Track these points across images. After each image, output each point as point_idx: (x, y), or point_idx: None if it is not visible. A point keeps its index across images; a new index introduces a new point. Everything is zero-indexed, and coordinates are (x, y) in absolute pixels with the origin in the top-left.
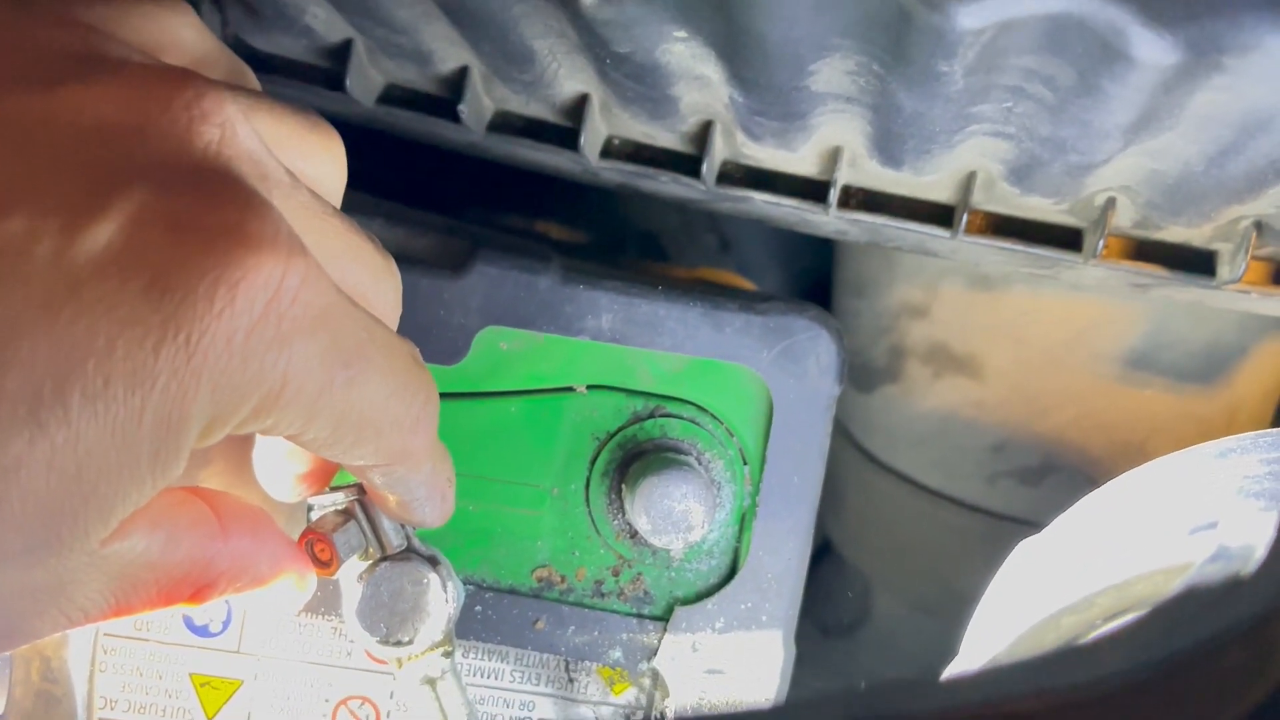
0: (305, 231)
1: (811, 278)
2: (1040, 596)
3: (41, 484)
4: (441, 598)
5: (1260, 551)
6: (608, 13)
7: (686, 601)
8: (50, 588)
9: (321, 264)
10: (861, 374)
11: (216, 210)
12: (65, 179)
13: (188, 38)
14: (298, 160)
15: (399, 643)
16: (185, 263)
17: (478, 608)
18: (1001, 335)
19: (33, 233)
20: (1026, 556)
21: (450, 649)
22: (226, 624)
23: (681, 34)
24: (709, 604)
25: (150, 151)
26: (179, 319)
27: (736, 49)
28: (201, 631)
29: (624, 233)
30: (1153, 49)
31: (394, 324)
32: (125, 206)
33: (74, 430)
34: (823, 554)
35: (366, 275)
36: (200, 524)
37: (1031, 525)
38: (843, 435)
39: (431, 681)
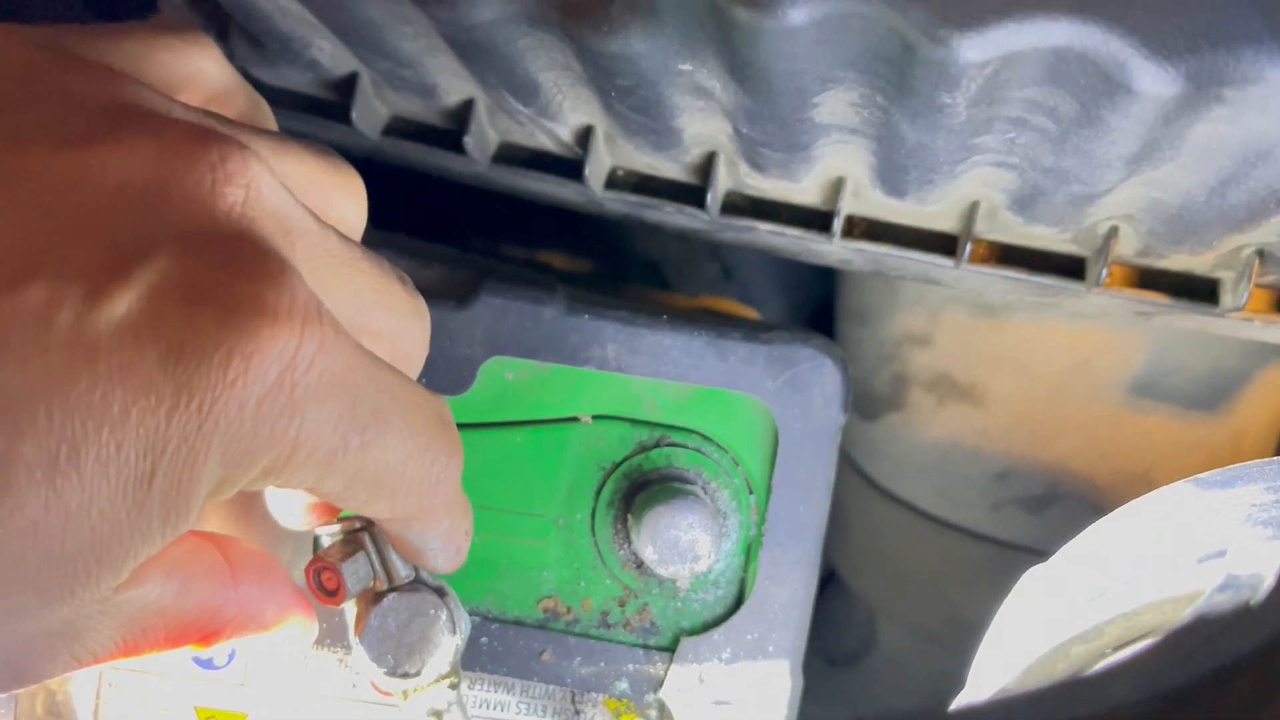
0: (331, 279)
1: (814, 306)
2: (1049, 625)
3: (57, 543)
4: (449, 629)
5: (1269, 580)
6: (613, 46)
7: (693, 632)
8: (63, 633)
9: (348, 309)
10: (865, 402)
11: (236, 279)
12: (89, 245)
13: (210, 72)
14: (321, 203)
15: (406, 674)
16: (201, 332)
17: (483, 639)
18: (1005, 363)
19: (55, 301)
20: (1034, 585)
21: (456, 681)
22: (231, 657)
23: (686, 67)
24: (715, 634)
25: (174, 214)
26: (192, 387)
27: (740, 81)
28: (207, 665)
29: (626, 262)
30: (1154, 81)
31: (420, 364)
32: (147, 275)
33: (87, 494)
34: (828, 584)
35: (393, 319)
36: (212, 572)
37: (1037, 554)
38: (848, 464)
39: (438, 714)
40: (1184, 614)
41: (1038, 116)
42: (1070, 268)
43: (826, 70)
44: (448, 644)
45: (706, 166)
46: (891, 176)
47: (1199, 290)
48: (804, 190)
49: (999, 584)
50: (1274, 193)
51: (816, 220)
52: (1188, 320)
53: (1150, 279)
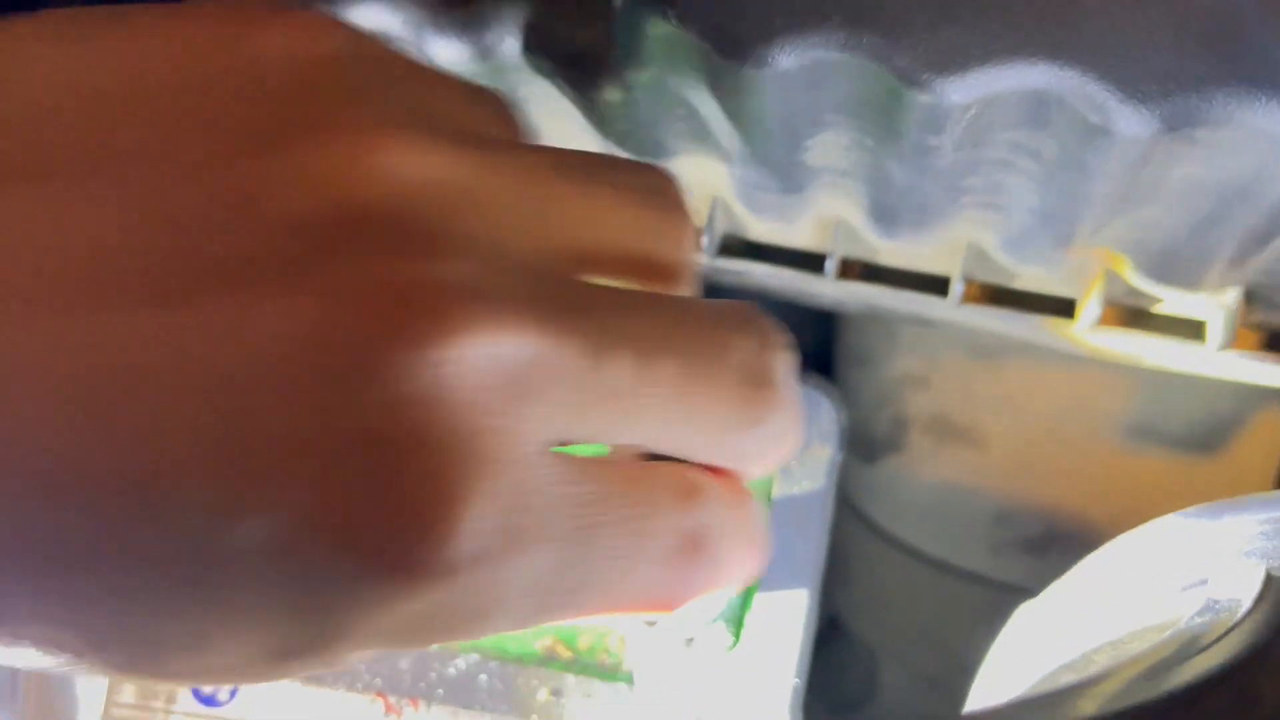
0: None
1: (811, 349)
2: (1039, 655)
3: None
4: None
5: (1246, 604)
6: (612, 95)
7: (690, 672)
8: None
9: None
10: (865, 444)
11: (387, 521)
12: (240, 448)
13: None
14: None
15: None
16: (332, 584)
17: (483, 676)
18: (1002, 405)
19: (189, 505)
20: (1026, 619)
21: None
22: (234, 694)
23: (682, 112)
24: (711, 676)
25: (339, 399)
26: (312, 626)
27: (735, 126)
28: (209, 701)
29: None
30: (1129, 124)
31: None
32: (293, 492)
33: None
34: (830, 629)
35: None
36: None
37: (1036, 596)
38: (848, 507)
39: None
40: (1163, 637)
41: (1022, 158)
42: (1062, 308)
43: (816, 114)
44: None
45: (703, 210)
46: (883, 218)
47: (1188, 330)
48: (799, 232)
49: (999, 627)
50: (1253, 232)
51: (811, 262)
52: (1178, 361)
53: (1140, 319)
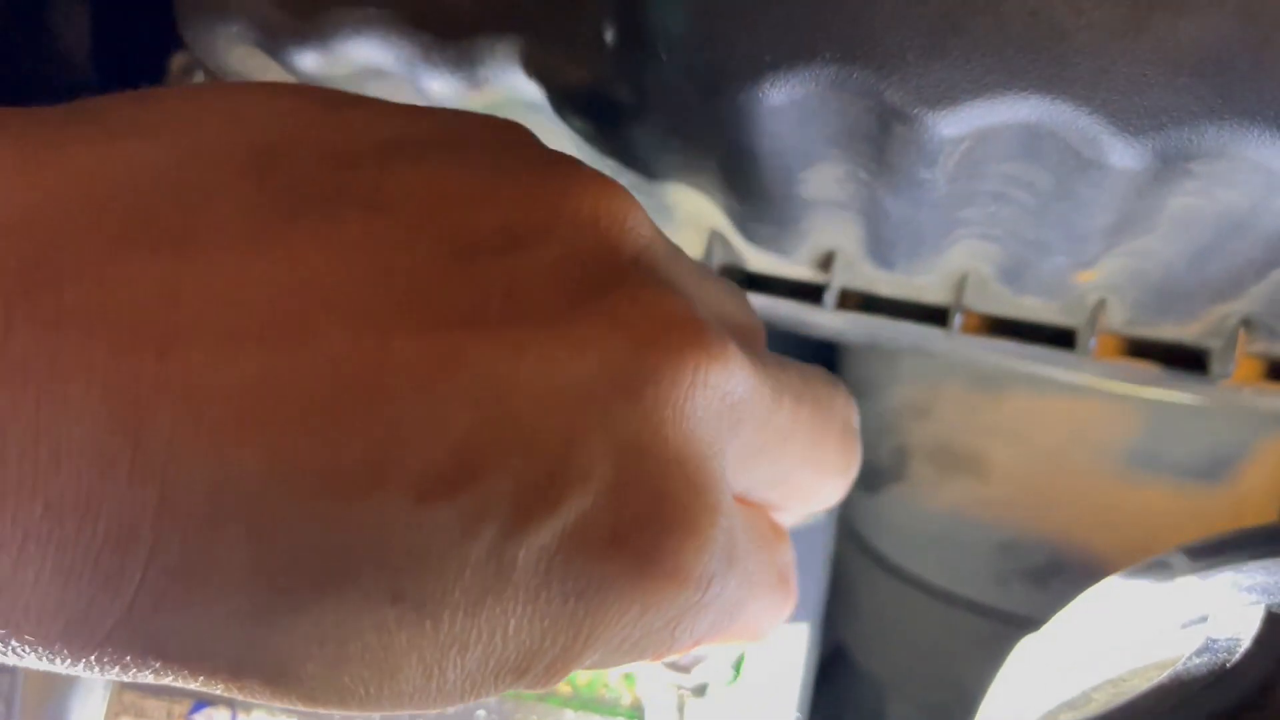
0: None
1: None
2: (1039, 693)
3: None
4: None
5: (1246, 644)
6: (607, 128)
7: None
8: None
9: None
10: (868, 474)
11: (659, 531)
12: (533, 450)
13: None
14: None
15: None
16: (607, 589)
17: (481, 711)
18: (1004, 435)
19: (484, 515)
20: (1027, 654)
21: None
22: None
23: (676, 144)
24: (712, 708)
25: (621, 425)
26: (582, 624)
27: (730, 160)
28: None
29: None
30: (1123, 156)
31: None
32: (576, 504)
33: (463, 673)
34: (836, 660)
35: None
36: None
37: (1040, 627)
38: (852, 537)
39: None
40: (1161, 677)
41: (1016, 190)
42: (1061, 338)
43: (809, 147)
44: None
45: (701, 242)
46: (880, 249)
47: (1188, 360)
48: (796, 264)
49: (1004, 658)
50: (1251, 263)
51: (810, 293)
52: (1179, 390)
53: (1140, 349)
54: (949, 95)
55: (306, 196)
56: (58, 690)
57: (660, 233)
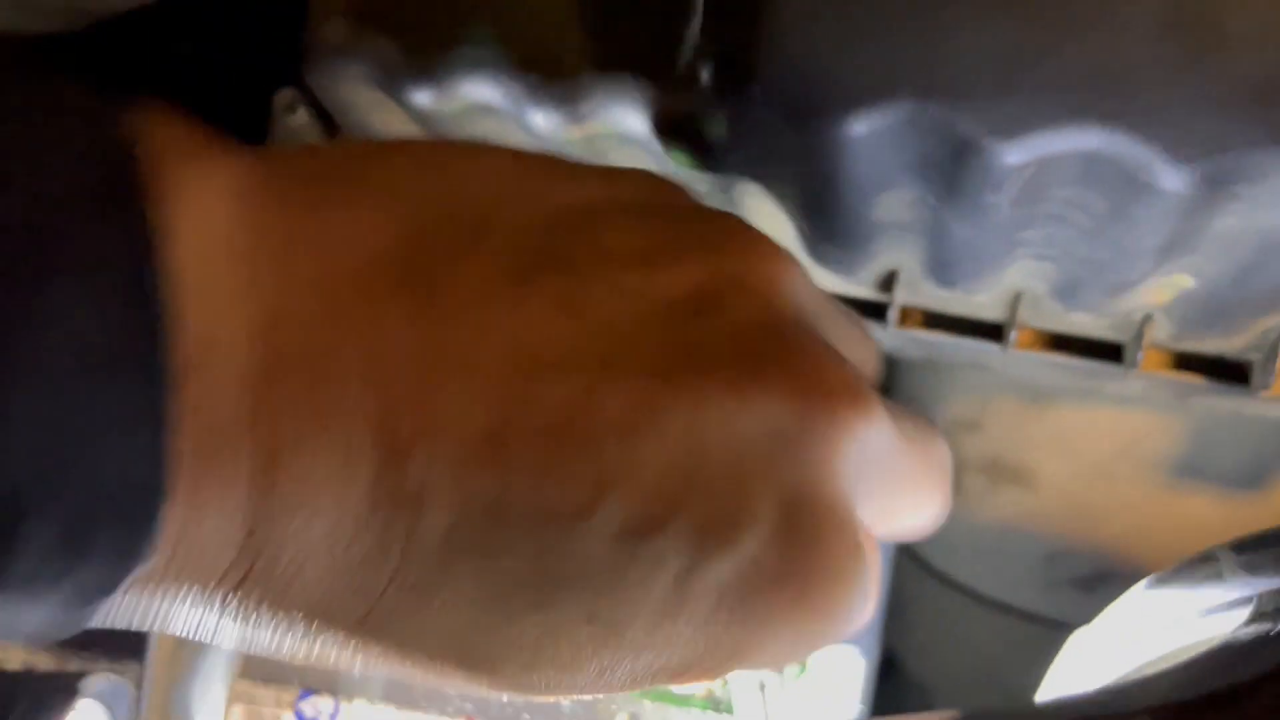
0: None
1: None
2: (1090, 682)
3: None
4: None
5: None
6: (698, 159)
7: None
8: None
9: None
10: None
11: (815, 569)
12: (717, 491)
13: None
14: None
15: None
16: (770, 621)
17: (565, 701)
18: (1053, 447)
19: (674, 550)
20: (1077, 647)
21: None
22: (334, 716)
23: (761, 171)
24: (768, 712)
25: (788, 472)
26: (735, 647)
27: (810, 186)
28: None
29: None
30: (1174, 181)
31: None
32: (748, 544)
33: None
34: (887, 668)
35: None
36: None
37: None
38: (904, 548)
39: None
40: (1213, 643)
41: (1074, 213)
42: (1110, 353)
43: (885, 174)
44: None
45: None
46: (942, 269)
47: (1231, 372)
48: (860, 283)
49: (1051, 663)
50: None
51: (871, 310)
52: (1223, 402)
53: (1185, 362)
54: (1017, 126)
55: (529, 257)
56: (182, 677)
57: (814, 288)
